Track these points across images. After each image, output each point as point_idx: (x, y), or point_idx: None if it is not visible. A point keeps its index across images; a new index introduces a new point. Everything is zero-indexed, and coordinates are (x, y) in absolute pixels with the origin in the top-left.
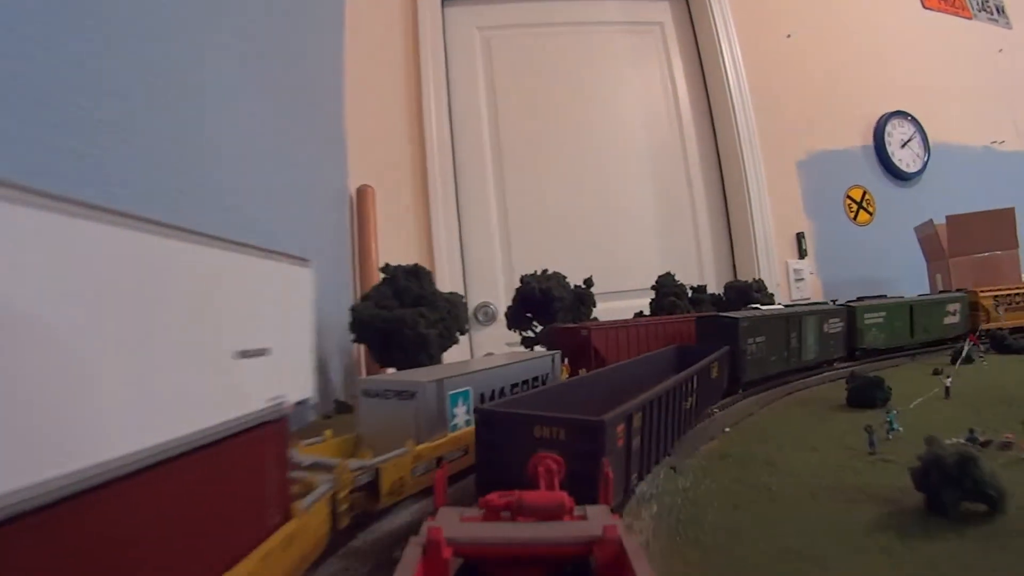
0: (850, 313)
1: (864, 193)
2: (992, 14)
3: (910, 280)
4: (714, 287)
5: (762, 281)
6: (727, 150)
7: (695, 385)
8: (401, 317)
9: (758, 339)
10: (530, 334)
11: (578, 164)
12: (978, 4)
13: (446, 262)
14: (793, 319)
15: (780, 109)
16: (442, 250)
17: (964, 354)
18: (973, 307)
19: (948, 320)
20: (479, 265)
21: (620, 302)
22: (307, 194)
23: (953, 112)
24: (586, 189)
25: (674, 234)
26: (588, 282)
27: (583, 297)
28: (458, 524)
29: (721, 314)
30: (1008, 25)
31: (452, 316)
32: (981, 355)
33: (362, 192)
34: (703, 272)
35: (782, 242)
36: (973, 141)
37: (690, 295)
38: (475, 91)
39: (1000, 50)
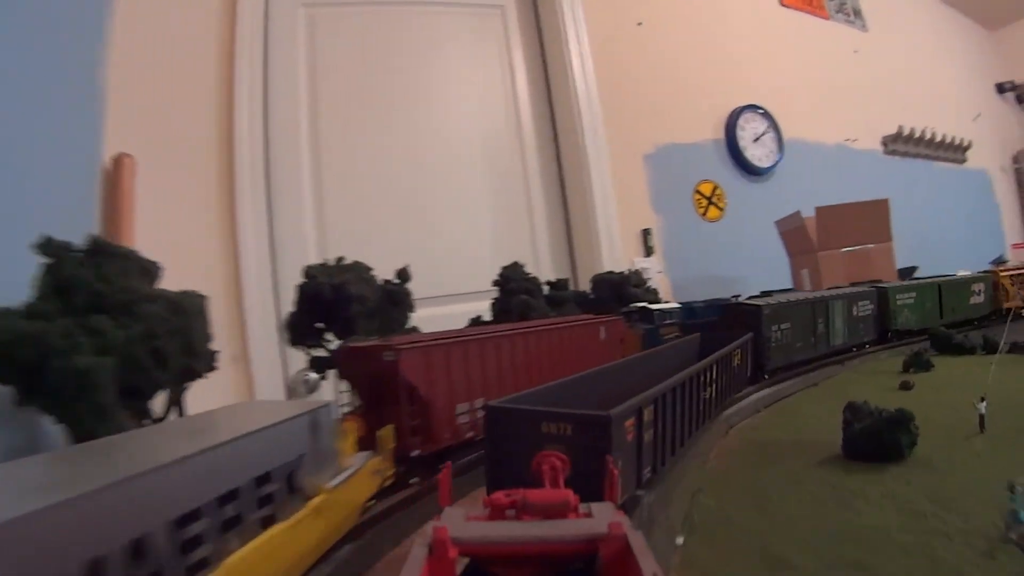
0: (881, 295)
1: (715, 188)
2: (849, 16)
3: (764, 277)
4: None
5: (639, 273)
6: (568, 141)
7: (714, 375)
8: (39, 336)
9: (783, 326)
10: (322, 352)
11: (406, 152)
12: (836, 6)
13: (253, 263)
14: (819, 304)
15: (628, 100)
16: (249, 252)
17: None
18: (995, 287)
19: (974, 300)
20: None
21: (448, 307)
22: (32, 154)
23: (807, 109)
24: (413, 181)
25: (510, 231)
26: (403, 275)
27: (395, 296)
28: (463, 523)
29: (744, 302)
30: (864, 28)
31: (175, 333)
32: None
33: (119, 162)
34: (540, 273)
35: (628, 239)
36: (827, 138)
37: (547, 292)
38: (294, 70)
39: (856, 51)
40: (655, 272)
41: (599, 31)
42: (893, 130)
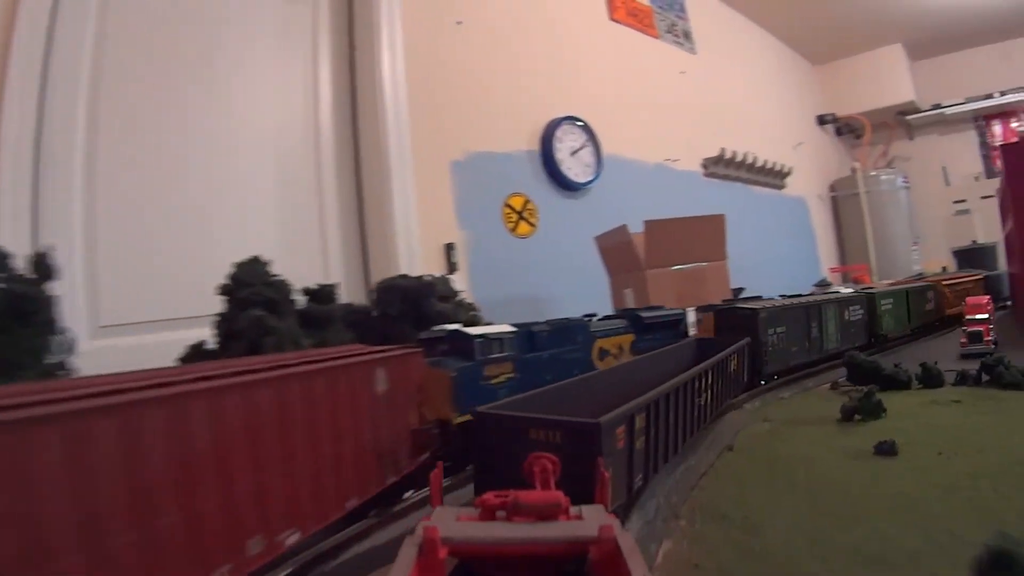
0: (870, 300)
1: (526, 202)
2: (679, 37)
3: (579, 297)
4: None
5: (449, 281)
6: (369, 142)
7: (710, 380)
8: None
9: (778, 329)
10: None
11: (190, 146)
12: (666, 26)
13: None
14: (813, 308)
15: (440, 102)
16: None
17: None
18: (940, 295)
19: (928, 307)
20: None
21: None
22: None
23: (629, 126)
24: (194, 178)
25: (299, 240)
26: (41, 266)
27: (22, 304)
28: (454, 524)
29: (738, 306)
30: (693, 51)
31: None
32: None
33: None
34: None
35: (430, 254)
36: (647, 157)
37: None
38: (80, 45)
39: (683, 72)
40: (459, 291)
41: (416, 27)
42: (715, 152)
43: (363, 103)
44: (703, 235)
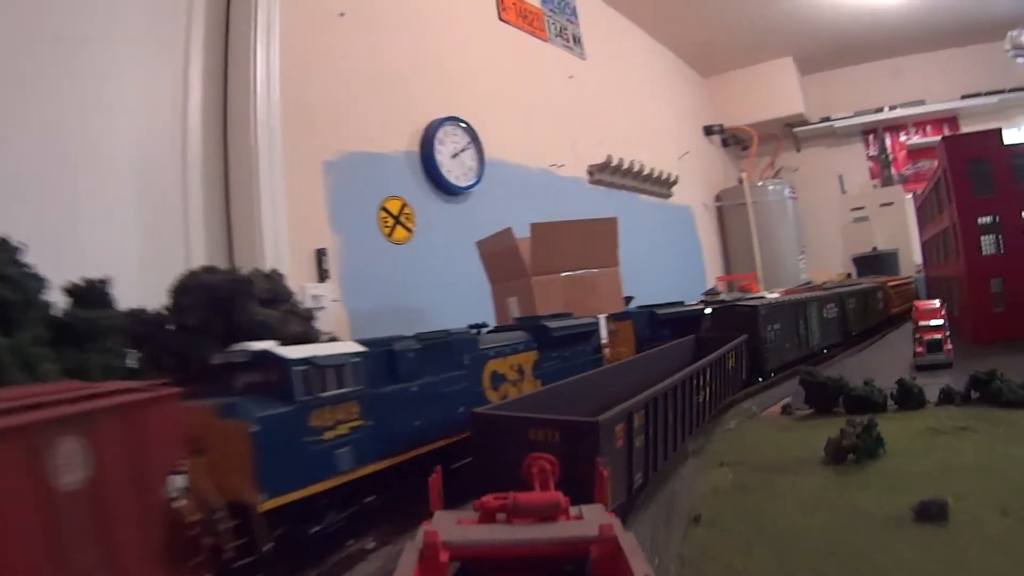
0: (840, 298)
1: (403, 206)
2: (568, 42)
3: (459, 307)
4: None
5: (278, 278)
6: (239, 140)
7: (708, 377)
8: None
9: (775, 326)
10: None
11: (44, 137)
12: (556, 29)
13: None
14: (799, 305)
15: (315, 95)
16: None
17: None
18: (887, 295)
19: (879, 306)
20: None
21: None
22: None
23: (515, 130)
24: (48, 176)
25: (162, 245)
26: (97, 291)
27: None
28: (454, 527)
29: (738, 303)
30: (582, 56)
31: None
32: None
33: None
34: None
35: (299, 260)
36: (532, 162)
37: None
38: None
39: (571, 77)
40: (330, 300)
41: (295, 17)
42: (601, 159)
43: (234, 94)
44: (594, 239)
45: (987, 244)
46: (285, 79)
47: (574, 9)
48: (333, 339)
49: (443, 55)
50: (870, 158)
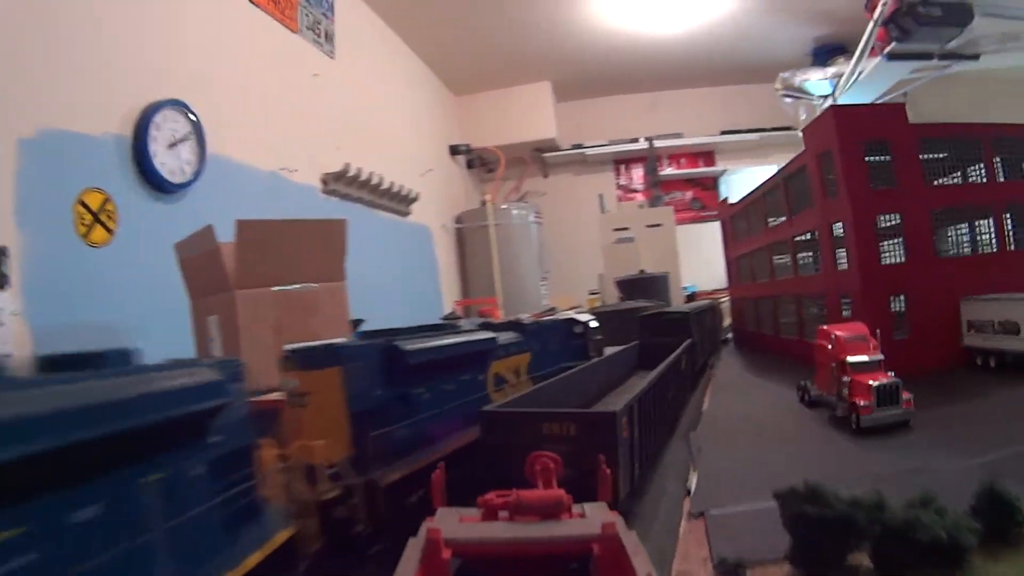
0: (713, 308)
1: (105, 201)
2: (319, 37)
3: (169, 328)
4: None
5: None
6: None
7: (674, 376)
8: None
9: (700, 331)
10: None
11: None
12: (309, 21)
13: None
14: (700, 313)
15: (20, 56)
16: None
17: None
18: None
19: (717, 332)
20: None
21: None
22: None
23: (245, 124)
24: None
25: None
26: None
27: None
28: (457, 524)
29: (666, 310)
30: (332, 55)
31: None
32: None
33: None
34: None
35: None
36: (261, 163)
37: None
38: None
39: (316, 75)
40: (8, 314)
41: None
42: (339, 167)
43: None
44: (317, 246)
45: (888, 251)
46: None
47: (332, 3)
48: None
49: (175, 28)
50: (619, 187)
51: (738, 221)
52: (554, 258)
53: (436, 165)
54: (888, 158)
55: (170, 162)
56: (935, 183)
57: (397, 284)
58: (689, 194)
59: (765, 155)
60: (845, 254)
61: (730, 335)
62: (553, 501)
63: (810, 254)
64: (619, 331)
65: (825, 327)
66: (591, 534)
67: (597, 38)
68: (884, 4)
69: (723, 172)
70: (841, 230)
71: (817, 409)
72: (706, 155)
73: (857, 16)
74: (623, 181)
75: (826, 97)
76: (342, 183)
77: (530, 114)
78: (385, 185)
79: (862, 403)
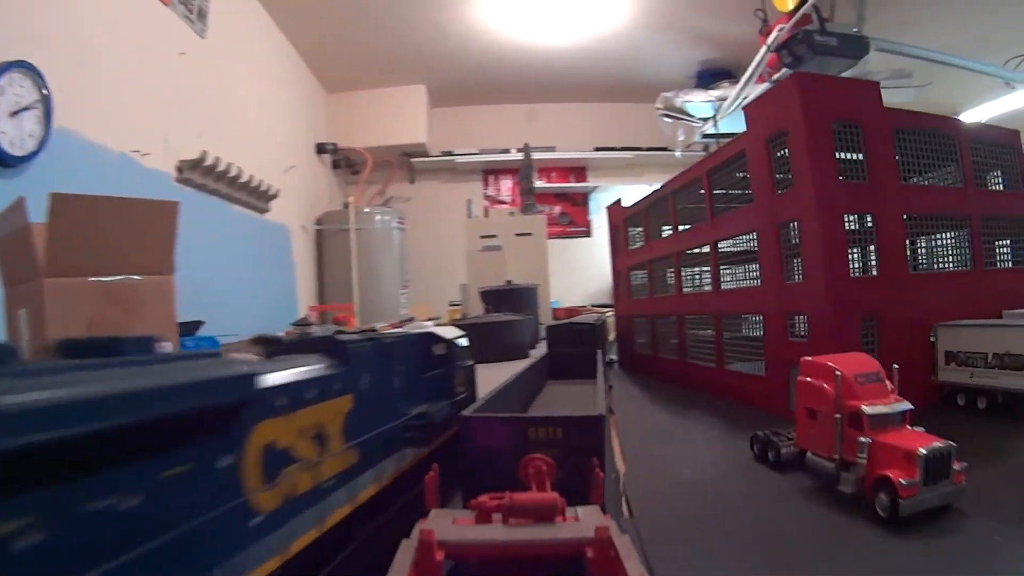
0: (604, 324)
1: None
2: (191, 13)
3: None
4: None
5: None
6: None
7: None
8: None
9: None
10: None
11: None
12: None
13: None
14: (601, 327)
15: None
16: None
17: None
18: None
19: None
20: None
21: None
22: None
23: (100, 99)
24: None
25: None
26: None
27: None
28: (450, 526)
29: (575, 321)
30: (202, 34)
31: None
32: None
33: None
34: None
35: None
36: (112, 143)
37: None
38: None
39: (182, 54)
40: None
41: None
42: (196, 155)
43: None
44: (142, 231)
45: (856, 261)
46: None
47: None
48: None
49: None
50: (487, 197)
51: (633, 226)
52: (416, 266)
53: (300, 162)
54: (859, 146)
55: (11, 131)
56: (911, 181)
57: (250, 285)
58: (558, 208)
59: (638, 174)
60: (799, 264)
61: (614, 357)
62: (547, 504)
63: (754, 266)
64: (483, 347)
65: (810, 359)
66: (585, 537)
67: (480, 44)
68: (781, 30)
69: (595, 188)
70: (796, 233)
71: (790, 474)
72: (578, 171)
73: (748, 43)
74: (491, 192)
75: (707, 120)
76: (198, 172)
77: (402, 117)
78: (244, 178)
79: (903, 481)
